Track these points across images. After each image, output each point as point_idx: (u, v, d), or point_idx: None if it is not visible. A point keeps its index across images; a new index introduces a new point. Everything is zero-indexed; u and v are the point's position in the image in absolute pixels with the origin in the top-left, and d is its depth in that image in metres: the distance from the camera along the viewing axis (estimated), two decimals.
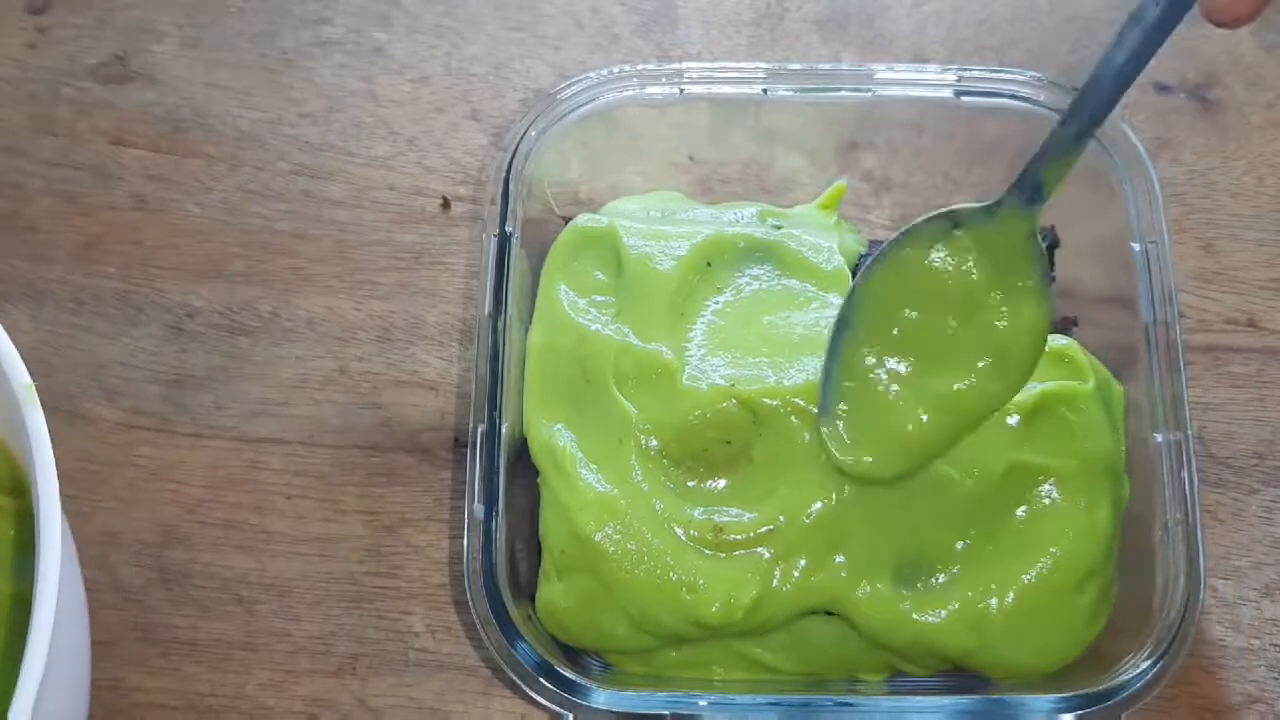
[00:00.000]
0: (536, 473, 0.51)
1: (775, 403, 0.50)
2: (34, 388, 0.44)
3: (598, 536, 0.49)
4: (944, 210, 0.49)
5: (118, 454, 0.56)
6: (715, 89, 0.56)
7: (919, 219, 0.49)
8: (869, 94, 0.56)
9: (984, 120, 0.56)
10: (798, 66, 0.57)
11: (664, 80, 0.56)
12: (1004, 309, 0.48)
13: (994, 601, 0.49)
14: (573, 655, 0.51)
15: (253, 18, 0.64)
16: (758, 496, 0.50)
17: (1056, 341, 0.52)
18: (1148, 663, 0.48)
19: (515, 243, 0.53)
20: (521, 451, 0.52)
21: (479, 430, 0.50)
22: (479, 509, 0.49)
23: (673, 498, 0.50)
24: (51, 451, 0.43)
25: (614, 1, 0.64)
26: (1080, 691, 0.47)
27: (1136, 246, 0.53)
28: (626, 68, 0.56)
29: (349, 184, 0.61)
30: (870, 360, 0.50)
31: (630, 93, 0.56)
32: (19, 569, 0.47)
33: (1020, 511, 0.50)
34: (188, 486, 0.56)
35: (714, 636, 0.50)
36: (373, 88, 0.63)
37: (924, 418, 0.49)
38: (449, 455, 0.56)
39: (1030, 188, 0.47)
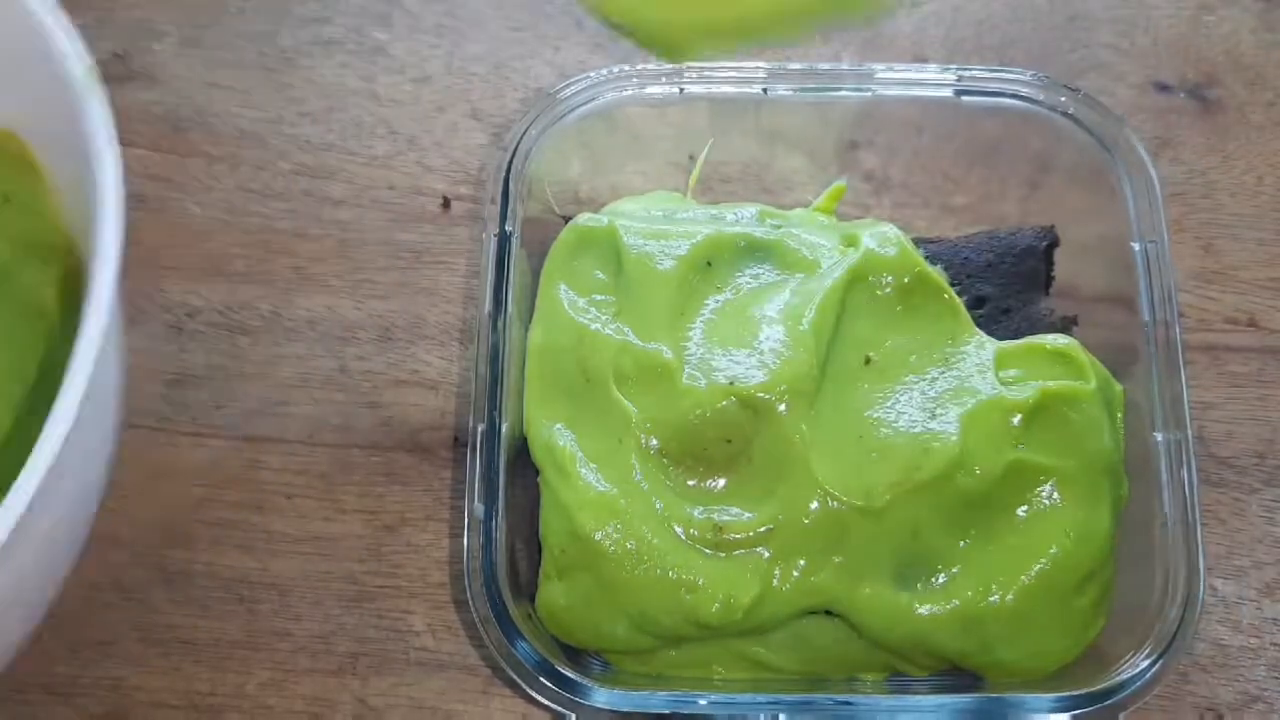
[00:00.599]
0: (536, 472, 0.51)
1: (772, 397, 0.50)
2: (95, 70, 0.39)
3: (598, 536, 0.49)
4: None
5: (118, 454, 0.56)
6: (715, 88, 0.56)
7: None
8: (869, 94, 0.56)
9: (984, 120, 0.56)
10: (798, 66, 0.57)
11: (664, 80, 0.56)
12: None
13: (994, 601, 0.49)
14: (573, 654, 0.51)
15: (253, 17, 0.64)
16: (757, 496, 0.50)
17: (1056, 341, 0.52)
18: (1147, 662, 0.48)
19: (515, 242, 0.53)
20: (521, 451, 0.52)
21: (479, 430, 0.50)
22: (479, 508, 0.49)
23: (672, 497, 0.50)
24: (117, 143, 0.38)
25: None
26: (1079, 691, 0.47)
27: (1136, 246, 0.53)
28: (626, 68, 0.56)
29: (349, 183, 0.61)
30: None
31: (630, 93, 0.56)
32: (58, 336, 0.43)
33: (1021, 511, 0.50)
34: (188, 486, 0.56)
35: (714, 636, 0.50)
36: (373, 87, 0.63)
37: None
38: (449, 455, 0.56)
39: None
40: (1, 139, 0.45)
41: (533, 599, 0.51)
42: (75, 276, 0.43)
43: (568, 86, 0.55)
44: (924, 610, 0.49)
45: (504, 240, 0.53)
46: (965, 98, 0.56)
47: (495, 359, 0.51)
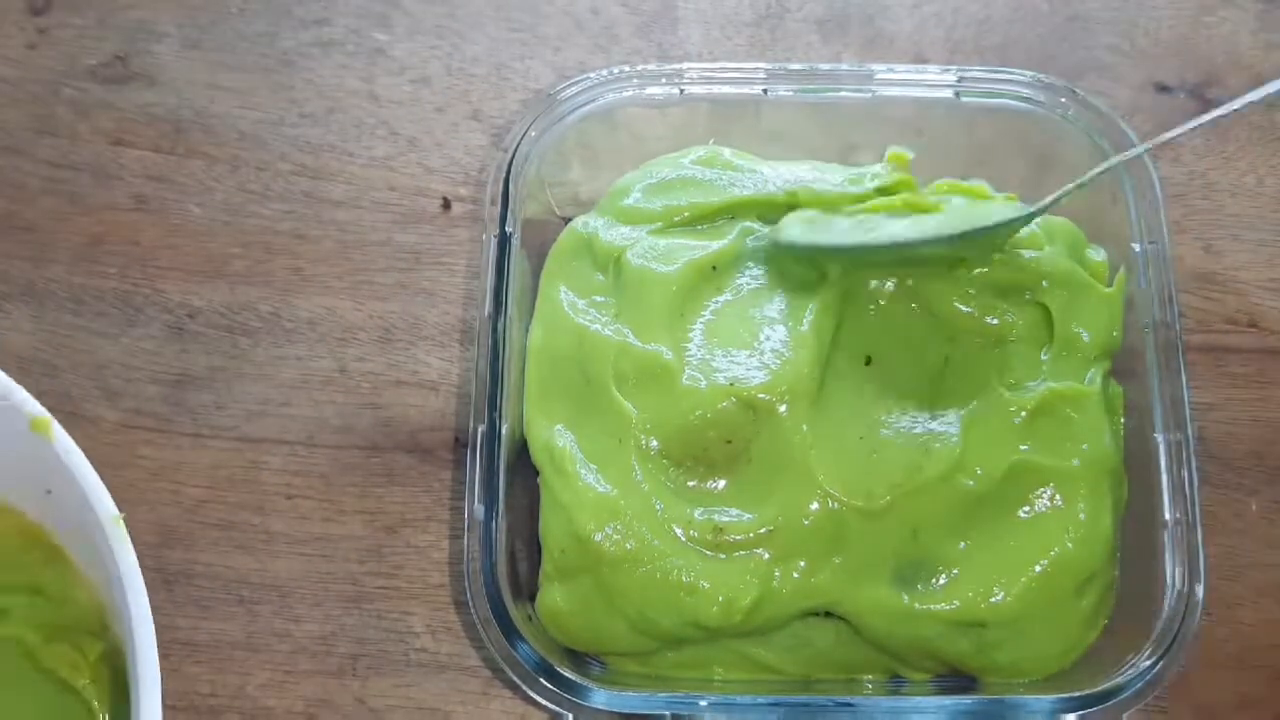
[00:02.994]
0: (536, 473, 0.51)
1: (773, 398, 0.50)
2: (123, 520, 0.43)
3: (597, 537, 0.49)
4: None
5: (118, 454, 0.56)
6: (715, 89, 0.56)
7: None
8: (869, 94, 0.56)
9: (984, 120, 0.56)
10: (798, 67, 0.57)
11: (664, 80, 0.56)
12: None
13: (994, 603, 0.49)
14: (573, 655, 0.51)
15: (253, 18, 0.64)
16: (757, 497, 0.50)
17: None
18: (1148, 663, 0.48)
19: (515, 243, 0.53)
20: (521, 451, 0.52)
21: (479, 430, 0.50)
22: (479, 509, 0.49)
23: (672, 498, 0.50)
24: (145, 594, 0.42)
25: (614, 2, 0.64)
26: (1080, 692, 0.47)
27: (1136, 246, 0.53)
28: (626, 68, 0.56)
29: (349, 184, 0.61)
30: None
31: (630, 93, 0.56)
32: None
33: (1022, 513, 0.50)
34: (188, 486, 0.56)
35: (714, 638, 0.50)
36: (373, 88, 0.63)
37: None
38: (449, 455, 0.56)
39: None
40: (33, 532, 0.48)
41: (533, 600, 0.51)
42: (113, 655, 0.46)
43: (567, 87, 0.55)
44: (924, 612, 0.49)
45: (504, 241, 0.53)
46: (965, 98, 0.56)
47: (495, 360, 0.51)
